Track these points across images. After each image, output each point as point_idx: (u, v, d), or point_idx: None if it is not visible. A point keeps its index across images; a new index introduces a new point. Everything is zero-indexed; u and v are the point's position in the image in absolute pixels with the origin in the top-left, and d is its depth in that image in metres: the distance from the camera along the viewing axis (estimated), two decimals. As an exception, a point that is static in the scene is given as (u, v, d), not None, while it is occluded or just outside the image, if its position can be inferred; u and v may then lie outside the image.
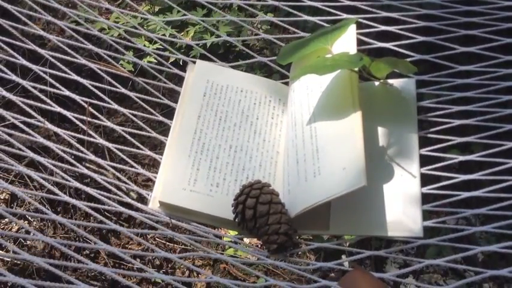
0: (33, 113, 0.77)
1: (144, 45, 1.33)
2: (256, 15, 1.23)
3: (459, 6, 0.93)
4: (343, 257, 1.26)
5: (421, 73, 0.84)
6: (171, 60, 1.17)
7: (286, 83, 0.86)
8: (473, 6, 0.93)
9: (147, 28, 1.46)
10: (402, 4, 0.94)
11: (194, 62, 0.86)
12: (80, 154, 0.76)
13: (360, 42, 0.81)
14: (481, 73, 0.86)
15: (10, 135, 0.73)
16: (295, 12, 0.94)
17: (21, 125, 0.75)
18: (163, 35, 1.36)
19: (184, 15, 0.99)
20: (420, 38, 0.90)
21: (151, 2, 1.64)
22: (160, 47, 0.98)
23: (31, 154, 0.73)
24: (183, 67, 0.87)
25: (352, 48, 0.77)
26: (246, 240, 0.73)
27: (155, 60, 0.93)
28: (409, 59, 0.86)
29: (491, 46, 0.89)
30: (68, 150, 0.75)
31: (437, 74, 0.87)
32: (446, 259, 0.68)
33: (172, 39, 1.04)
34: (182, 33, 1.50)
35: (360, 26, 0.86)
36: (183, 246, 1.32)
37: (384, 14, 0.92)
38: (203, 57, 0.91)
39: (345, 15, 0.90)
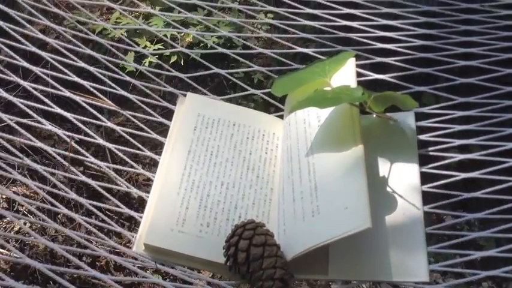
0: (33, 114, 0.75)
1: (146, 46, 1.31)
2: (256, 16, 1.22)
3: (457, 37, 0.92)
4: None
5: (420, 105, 0.81)
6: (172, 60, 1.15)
7: (280, 116, 0.83)
8: (471, 36, 0.91)
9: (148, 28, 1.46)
10: (398, 36, 0.92)
11: (184, 95, 0.82)
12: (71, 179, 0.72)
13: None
14: (482, 105, 0.84)
15: (9, 141, 0.70)
16: (294, 17, 0.94)
17: (20, 128, 0.73)
18: (164, 35, 1.34)
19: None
20: (418, 70, 0.88)
21: (152, 2, 1.61)
22: (162, 47, 0.96)
23: (28, 161, 0.71)
24: (182, 69, 0.84)
25: (352, 82, 0.74)
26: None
27: (156, 61, 0.91)
28: (406, 91, 0.84)
29: (491, 77, 0.87)
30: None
31: (437, 106, 0.85)
32: (446, 263, 0.68)
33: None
34: (183, 34, 1.47)
35: (356, 56, 0.84)
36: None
37: (380, 45, 0.91)
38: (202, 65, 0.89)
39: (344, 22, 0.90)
